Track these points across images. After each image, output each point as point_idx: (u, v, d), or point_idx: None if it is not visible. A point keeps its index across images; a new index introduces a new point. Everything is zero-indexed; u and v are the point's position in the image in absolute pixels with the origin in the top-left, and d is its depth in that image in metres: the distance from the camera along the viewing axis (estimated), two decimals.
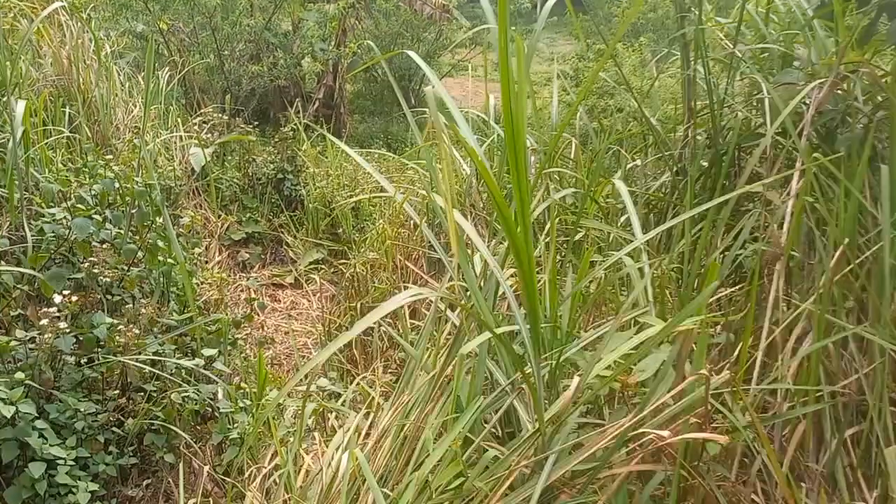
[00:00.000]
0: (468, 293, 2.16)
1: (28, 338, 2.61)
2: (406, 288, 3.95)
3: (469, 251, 2.37)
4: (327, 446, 2.13)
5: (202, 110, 7.48)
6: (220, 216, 6.60)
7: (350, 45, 12.94)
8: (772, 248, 2.51)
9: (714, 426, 2.00)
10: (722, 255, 2.75)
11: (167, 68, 7.26)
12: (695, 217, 2.78)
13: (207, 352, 2.83)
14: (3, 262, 3.09)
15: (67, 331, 2.61)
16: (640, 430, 1.63)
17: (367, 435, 2.12)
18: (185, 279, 3.53)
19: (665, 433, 1.58)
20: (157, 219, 3.62)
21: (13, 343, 2.60)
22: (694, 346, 1.83)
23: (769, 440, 2.10)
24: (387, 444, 1.95)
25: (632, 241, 2.99)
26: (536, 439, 1.71)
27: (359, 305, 4.33)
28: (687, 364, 1.83)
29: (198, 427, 3.18)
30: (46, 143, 4.18)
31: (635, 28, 16.00)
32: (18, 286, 2.94)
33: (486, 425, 1.88)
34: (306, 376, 2.86)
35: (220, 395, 2.78)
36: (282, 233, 6.67)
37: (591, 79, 3.98)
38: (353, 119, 13.62)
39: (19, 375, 2.48)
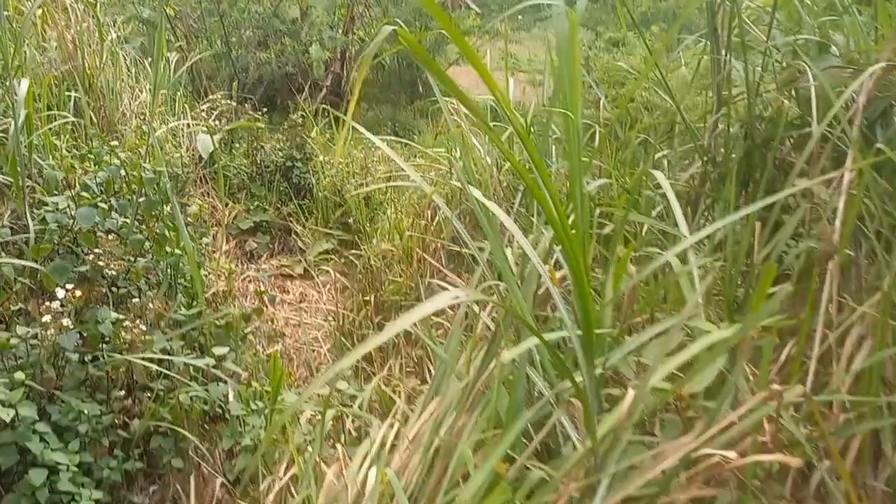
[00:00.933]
0: (504, 291, 2.00)
1: (29, 334, 2.46)
2: (426, 283, 3.80)
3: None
4: (349, 457, 1.98)
5: (210, 97, 7.31)
6: (227, 204, 6.45)
7: (358, 32, 12.78)
8: (823, 245, 2.35)
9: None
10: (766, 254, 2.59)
11: (175, 54, 7.08)
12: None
13: (218, 350, 2.68)
14: (3, 254, 2.93)
15: (71, 327, 2.46)
16: (705, 452, 1.47)
17: (393, 447, 1.96)
18: (194, 271, 3.37)
19: (732, 454, 1.42)
20: (165, 208, 3.47)
21: (13, 340, 2.44)
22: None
23: (826, 455, 1.94)
24: (416, 458, 1.80)
25: (669, 236, 2.84)
26: (587, 459, 1.55)
27: (373, 299, 4.17)
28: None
29: (205, 426, 3.03)
30: (50, 129, 4.02)
31: (645, 18, 15.79)
32: (20, 279, 2.78)
33: (527, 441, 1.72)
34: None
35: (230, 397, 2.63)
36: (290, 222, 6.51)
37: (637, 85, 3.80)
38: (360, 107, 13.44)
39: (19, 376, 2.33)
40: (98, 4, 6.36)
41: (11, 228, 3.28)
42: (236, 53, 9.94)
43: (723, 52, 3.50)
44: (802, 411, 2.06)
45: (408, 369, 3.43)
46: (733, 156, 3.33)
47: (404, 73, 14.14)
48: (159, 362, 2.76)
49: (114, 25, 6.75)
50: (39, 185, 3.60)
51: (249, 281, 5.30)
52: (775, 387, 1.46)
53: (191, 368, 2.95)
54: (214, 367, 2.69)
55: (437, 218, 3.91)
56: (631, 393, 1.53)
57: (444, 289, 3.41)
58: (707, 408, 1.76)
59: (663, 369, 1.58)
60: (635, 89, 3.77)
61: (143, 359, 2.73)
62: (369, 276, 4.36)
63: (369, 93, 14.25)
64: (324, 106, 10.58)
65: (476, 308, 2.21)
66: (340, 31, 11.52)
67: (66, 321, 2.42)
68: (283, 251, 6.38)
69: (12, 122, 3.33)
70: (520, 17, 18.56)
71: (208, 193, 6.44)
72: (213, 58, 9.91)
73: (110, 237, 2.91)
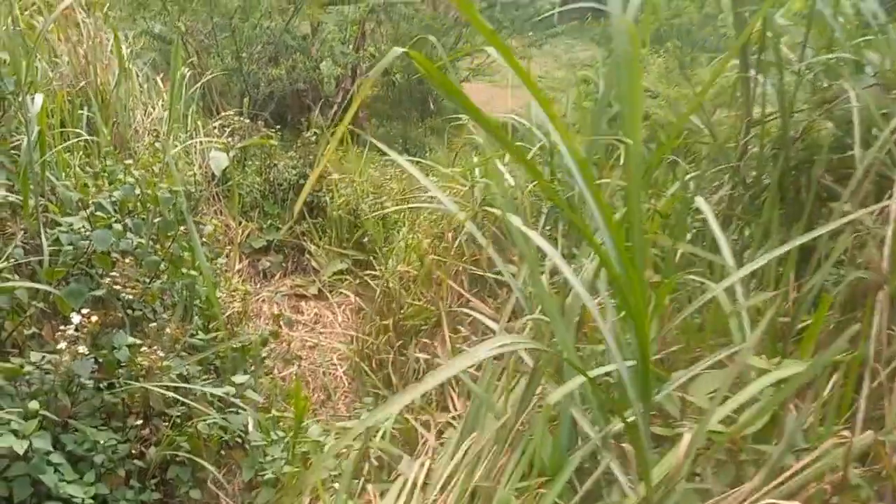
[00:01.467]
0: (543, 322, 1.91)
1: (44, 361, 2.37)
2: (446, 305, 3.70)
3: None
4: (379, 496, 1.88)
5: (222, 113, 7.25)
6: (240, 223, 6.37)
7: (368, 48, 12.74)
8: (871, 275, 2.25)
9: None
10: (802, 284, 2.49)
11: (187, 70, 7.03)
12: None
13: (238, 378, 2.59)
14: (16, 276, 2.85)
15: (87, 354, 2.37)
16: (768, 502, 1.37)
17: (426, 485, 1.86)
18: (212, 294, 3.29)
19: None
20: (180, 228, 3.39)
21: (27, 367, 2.36)
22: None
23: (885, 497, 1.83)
24: (452, 501, 1.70)
25: (703, 261, 2.74)
26: None
27: (392, 323, 4.07)
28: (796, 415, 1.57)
29: (221, 453, 2.93)
30: (63, 146, 3.95)
31: (658, 35, 15.73)
32: (34, 303, 2.70)
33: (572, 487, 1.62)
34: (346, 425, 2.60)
35: (250, 426, 2.53)
36: (304, 241, 6.43)
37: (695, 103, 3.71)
38: (371, 123, 13.40)
39: (33, 405, 2.24)
40: (109, 20, 6.33)
41: (24, 249, 3.20)
42: (248, 69, 9.89)
43: (752, 71, 3.42)
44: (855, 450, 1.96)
45: (431, 398, 3.32)
46: (766, 179, 3.25)
47: (415, 89, 14.07)
48: (176, 388, 2.67)
49: (126, 41, 6.70)
50: (53, 203, 3.53)
51: (263, 301, 5.22)
52: (844, 433, 1.36)
53: (208, 394, 2.86)
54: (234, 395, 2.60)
55: (459, 240, 3.81)
56: (687, 437, 1.43)
57: (468, 315, 3.32)
58: (759, 450, 1.66)
59: (721, 410, 1.48)
60: (686, 118, 3.65)
61: (160, 386, 2.64)
62: (387, 299, 4.26)
63: (380, 109, 14.19)
64: (333, 122, 10.60)
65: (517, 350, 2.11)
66: (351, 47, 11.49)
67: (82, 348, 2.33)
68: (296, 270, 6.29)
69: (25, 139, 3.26)
70: (530, 33, 18.55)
71: (220, 211, 6.37)
72: (224, 74, 9.87)
73: (127, 260, 2.83)
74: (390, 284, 4.18)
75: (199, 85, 7.35)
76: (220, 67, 9.36)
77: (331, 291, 5.76)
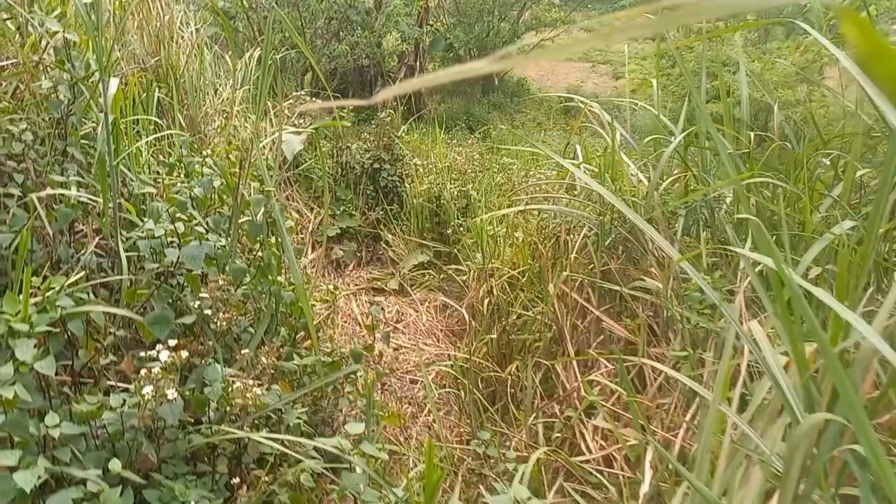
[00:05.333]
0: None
1: (125, 407, 1.99)
2: (567, 322, 3.24)
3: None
4: None
5: (293, 94, 6.86)
6: (312, 209, 6.00)
7: (435, 23, 12.28)
8: None
9: None
10: None
11: (257, 48, 6.63)
12: None
13: (353, 428, 2.18)
14: (89, 291, 2.47)
15: (175, 398, 1.98)
16: None
17: None
18: (304, 305, 2.89)
19: None
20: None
21: (107, 414, 1.98)
22: None
23: None
24: None
25: None
26: None
27: (496, 332, 3.62)
28: None
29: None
30: (138, 135, 3.57)
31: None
32: (111, 330, 2.32)
33: None
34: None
35: (362, 486, 2.13)
36: (379, 229, 6.03)
37: None
38: (433, 100, 12.97)
39: (115, 465, 1.86)
40: None
41: (98, 254, 2.84)
42: (312, 45, 9.53)
43: None
44: None
45: (553, 434, 2.89)
46: None
47: None
48: (274, 431, 2.28)
49: (194, 17, 6.32)
50: (125, 198, 3.16)
51: (346, 298, 4.84)
52: None
53: (302, 422, 2.47)
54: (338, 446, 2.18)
55: (578, 241, 3.33)
56: None
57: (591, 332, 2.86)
58: None
59: None
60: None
61: (256, 425, 2.25)
62: (493, 306, 3.77)
63: (442, 86, 13.75)
64: (396, 99, 10.22)
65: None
66: (415, 22, 11.09)
67: (171, 393, 1.94)
68: (371, 261, 5.90)
69: (100, 127, 2.88)
70: (589, 5, 17.87)
71: (291, 197, 5.99)
72: (290, 51, 9.52)
73: (220, 281, 2.43)
74: (493, 290, 3.72)
75: (268, 64, 6.95)
76: (285, 45, 8.99)
77: (411, 286, 5.35)
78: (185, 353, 2.02)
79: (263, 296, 3.12)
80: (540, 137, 11.14)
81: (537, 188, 4.39)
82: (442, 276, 5.29)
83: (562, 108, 13.75)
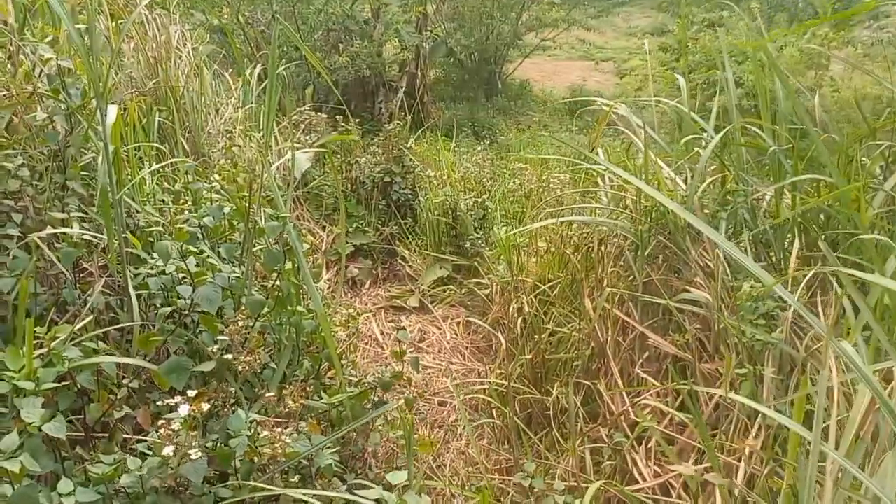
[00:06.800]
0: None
1: (144, 470, 1.80)
2: (607, 338, 3.04)
3: None
4: None
5: (297, 108, 6.69)
6: (324, 227, 5.81)
7: (435, 29, 12.12)
8: None
9: None
10: None
11: (257, 64, 6.47)
12: None
13: (395, 477, 1.99)
14: (99, 336, 2.29)
15: (198, 456, 1.79)
16: None
17: None
18: (328, 336, 2.71)
19: None
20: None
21: (125, 479, 1.79)
22: None
23: None
24: None
25: None
26: None
27: (529, 352, 3.41)
28: None
29: None
30: (140, 162, 3.40)
31: None
32: (125, 383, 2.13)
33: None
34: None
35: None
36: (394, 244, 5.84)
37: None
38: (438, 107, 12.79)
39: None
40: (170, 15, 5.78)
41: (106, 293, 2.65)
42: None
43: None
44: None
45: (603, 461, 2.68)
46: None
47: (481, 69, 13.42)
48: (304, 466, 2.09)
49: (191, 36, 6.16)
50: (131, 231, 2.97)
51: (366, 318, 4.66)
52: None
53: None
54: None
55: (613, 251, 3.14)
56: None
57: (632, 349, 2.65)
58: None
59: None
60: None
61: (288, 472, 2.06)
62: (525, 325, 3.55)
63: (445, 92, 13.59)
64: (400, 108, 10.06)
65: None
66: (414, 29, 10.94)
67: (194, 453, 1.75)
68: (388, 278, 5.71)
69: (100, 158, 2.70)
70: (586, 2, 17.68)
71: (302, 216, 5.81)
72: (289, 65, 9.37)
73: (240, 321, 2.24)
74: (525, 306, 3.52)
75: (269, 81, 6.78)
76: (283, 59, 8.83)
77: (431, 302, 5.15)
78: (205, 406, 1.83)
79: (283, 327, 2.94)
80: (547, 140, 10.95)
81: (557, 196, 4.20)
82: (463, 290, 5.10)
83: (566, 108, 13.57)
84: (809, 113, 2.82)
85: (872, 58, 13.14)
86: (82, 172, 3.03)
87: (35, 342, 1.97)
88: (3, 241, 2.52)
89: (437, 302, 5.13)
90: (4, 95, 2.82)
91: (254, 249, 2.92)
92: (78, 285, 2.66)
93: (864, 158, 3.05)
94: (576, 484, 2.56)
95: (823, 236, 2.80)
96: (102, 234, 2.67)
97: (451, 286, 5.21)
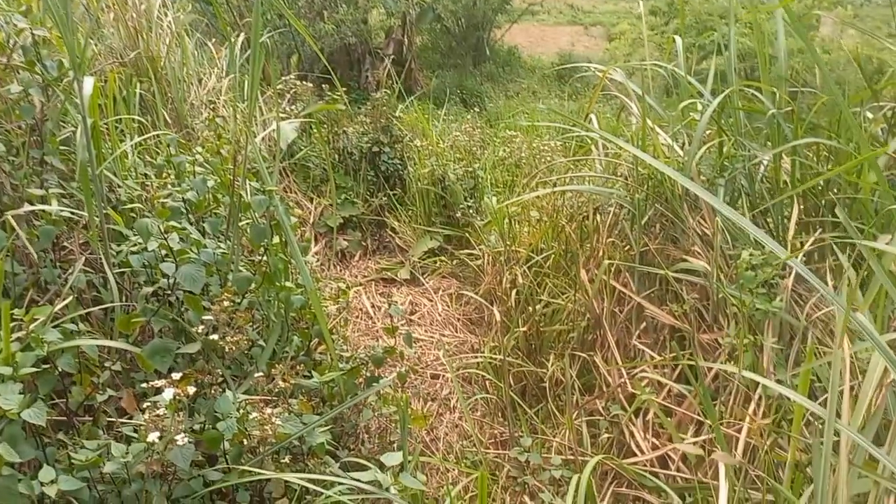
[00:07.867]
0: None
1: (129, 456, 1.74)
2: (603, 308, 2.98)
3: None
4: None
5: (282, 77, 6.54)
6: (311, 199, 5.72)
7: None
8: None
9: None
10: None
11: (241, 33, 6.32)
12: None
13: (390, 459, 1.93)
14: (80, 316, 2.22)
15: (185, 441, 1.73)
16: None
17: None
18: (319, 313, 2.64)
19: None
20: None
21: (109, 465, 1.72)
22: None
23: None
24: None
25: None
26: None
27: (523, 324, 3.35)
28: None
29: None
30: (122, 135, 3.29)
31: None
32: (107, 365, 2.06)
33: None
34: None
35: None
36: (383, 216, 5.75)
37: None
38: (424, 74, 12.63)
39: None
40: None
41: (87, 272, 2.58)
42: (294, 26, 9.21)
43: None
44: None
45: (600, 434, 2.64)
46: None
47: (469, 35, 13.25)
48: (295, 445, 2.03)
49: (172, 5, 6.00)
50: (113, 206, 2.88)
51: (356, 292, 4.59)
52: None
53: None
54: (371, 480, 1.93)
55: (609, 220, 3.07)
56: None
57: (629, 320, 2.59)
58: None
59: None
60: None
61: (279, 452, 2.00)
62: (519, 297, 3.48)
63: (432, 59, 13.43)
64: (387, 76, 9.91)
65: None
66: None
67: (180, 438, 1.69)
68: (378, 250, 5.63)
69: (78, 131, 2.60)
70: None
71: (289, 188, 5.71)
72: (274, 33, 9.19)
73: (225, 301, 2.17)
74: (519, 277, 3.45)
75: (253, 49, 6.64)
76: (267, 27, 8.66)
77: (422, 273, 5.09)
78: (191, 389, 1.77)
79: (271, 303, 2.87)
80: (536, 107, 10.83)
81: (549, 164, 4.12)
82: (454, 261, 5.03)
83: (555, 74, 13.43)
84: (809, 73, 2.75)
85: (862, 18, 13.03)
86: (61, 147, 2.93)
87: (13, 325, 1.90)
88: None
89: (428, 273, 5.06)
90: None
91: (240, 224, 2.84)
92: (58, 264, 2.59)
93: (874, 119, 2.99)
94: (573, 458, 2.52)
95: (827, 203, 2.74)
96: (83, 210, 2.59)
97: (441, 257, 5.14)
